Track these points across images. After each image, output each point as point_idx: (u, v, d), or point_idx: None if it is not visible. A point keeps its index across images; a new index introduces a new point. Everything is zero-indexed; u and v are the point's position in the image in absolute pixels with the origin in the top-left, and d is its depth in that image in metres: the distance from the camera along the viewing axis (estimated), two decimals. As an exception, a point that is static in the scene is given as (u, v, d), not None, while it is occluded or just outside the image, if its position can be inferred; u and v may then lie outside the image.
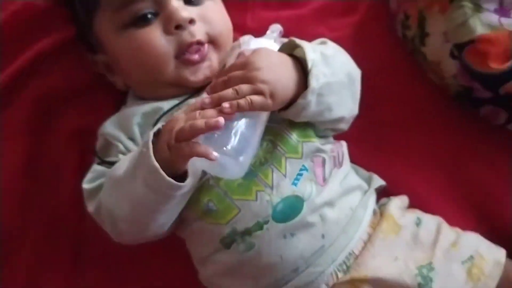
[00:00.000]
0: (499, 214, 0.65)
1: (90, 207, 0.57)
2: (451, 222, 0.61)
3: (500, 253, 0.58)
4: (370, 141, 0.69)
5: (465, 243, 0.57)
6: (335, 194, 0.55)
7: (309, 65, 0.51)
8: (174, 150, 0.46)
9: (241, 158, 0.46)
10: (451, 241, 0.57)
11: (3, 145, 0.68)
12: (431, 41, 0.65)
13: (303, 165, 0.55)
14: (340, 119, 0.59)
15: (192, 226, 0.56)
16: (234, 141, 0.46)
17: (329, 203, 0.54)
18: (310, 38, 0.59)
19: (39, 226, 0.68)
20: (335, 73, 0.54)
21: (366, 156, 0.67)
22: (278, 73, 0.50)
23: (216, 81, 0.50)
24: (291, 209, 0.52)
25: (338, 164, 0.58)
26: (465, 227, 0.62)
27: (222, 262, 0.55)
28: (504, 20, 0.61)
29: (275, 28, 0.59)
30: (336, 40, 0.61)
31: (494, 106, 0.64)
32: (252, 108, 0.46)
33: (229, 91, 0.47)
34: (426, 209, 0.62)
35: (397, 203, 0.61)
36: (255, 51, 0.52)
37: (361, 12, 0.75)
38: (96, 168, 0.59)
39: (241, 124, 0.47)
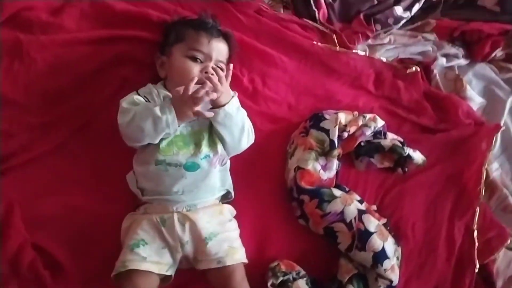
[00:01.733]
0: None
1: (120, 119, 1.05)
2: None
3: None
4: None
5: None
6: (213, 176, 1.10)
7: (228, 104, 1.08)
8: (189, 99, 1.00)
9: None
10: None
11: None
12: (293, 159, 1.28)
13: (210, 154, 1.10)
14: (223, 141, 1.11)
15: (147, 148, 1.08)
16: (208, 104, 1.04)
17: (208, 178, 1.08)
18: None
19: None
20: (237, 116, 1.10)
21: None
22: (227, 92, 1.08)
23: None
24: (194, 167, 1.07)
25: (221, 163, 1.13)
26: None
27: (148, 168, 1.07)
28: (321, 171, 1.26)
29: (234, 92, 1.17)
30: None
31: (296, 205, 1.24)
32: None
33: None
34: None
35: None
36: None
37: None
38: (137, 96, 1.10)
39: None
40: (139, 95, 1.12)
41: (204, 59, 1.14)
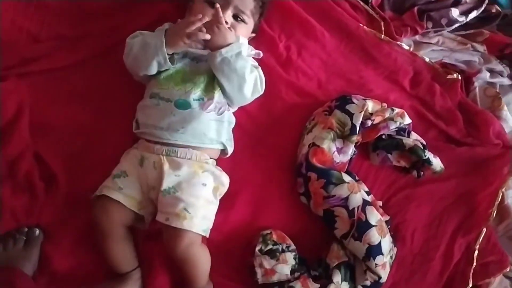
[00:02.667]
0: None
1: (124, 54, 1.07)
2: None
3: None
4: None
5: None
6: (204, 120, 1.06)
7: (226, 48, 1.02)
8: (183, 32, 0.99)
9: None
10: None
11: None
12: (309, 135, 1.25)
13: (204, 97, 1.06)
14: (223, 88, 1.07)
15: (150, 81, 1.09)
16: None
17: (198, 120, 1.04)
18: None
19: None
20: (236, 63, 1.03)
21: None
22: (223, 35, 1.02)
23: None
24: (185, 105, 1.04)
25: (217, 111, 1.08)
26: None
27: (144, 101, 1.08)
28: (335, 154, 1.22)
29: (256, 52, 1.17)
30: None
31: (302, 181, 1.21)
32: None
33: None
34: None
35: None
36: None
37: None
38: (138, 31, 1.09)
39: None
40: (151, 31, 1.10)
41: (222, 4, 1.08)
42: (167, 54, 1.02)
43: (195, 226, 1.00)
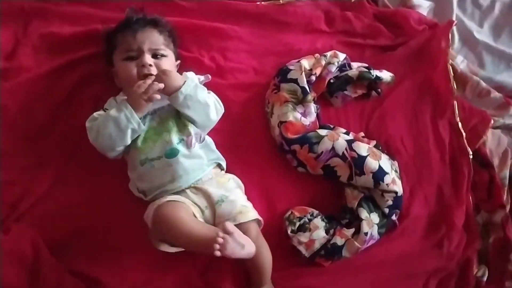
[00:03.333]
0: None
1: (90, 138, 1.11)
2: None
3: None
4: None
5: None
6: (194, 153, 1.15)
7: (184, 86, 1.12)
8: (140, 94, 1.07)
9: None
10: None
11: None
12: (273, 116, 1.35)
13: (183, 137, 1.14)
14: (193, 121, 1.15)
15: (130, 153, 1.16)
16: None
17: (190, 156, 1.13)
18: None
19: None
20: (197, 95, 1.13)
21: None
22: (174, 78, 1.12)
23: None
24: (174, 153, 1.12)
25: (198, 140, 1.17)
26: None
27: (138, 172, 1.14)
28: (303, 118, 1.32)
29: (205, 77, 1.25)
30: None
31: (291, 156, 1.33)
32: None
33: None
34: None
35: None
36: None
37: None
38: (99, 111, 1.15)
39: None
40: (102, 110, 1.18)
41: (138, 54, 1.18)
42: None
43: (256, 214, 1.15)
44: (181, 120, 1.18)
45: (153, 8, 1.35)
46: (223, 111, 1.25)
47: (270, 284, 1.18)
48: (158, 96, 1.10)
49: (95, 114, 1.16)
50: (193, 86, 1.15)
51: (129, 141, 1.12)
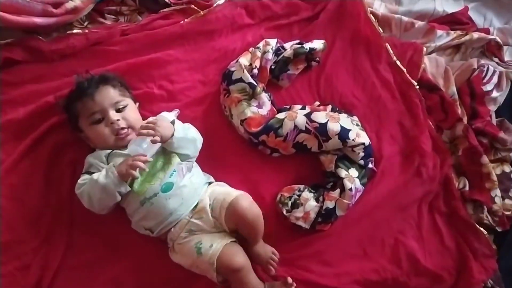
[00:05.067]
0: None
1: (85, 204, 1.18)
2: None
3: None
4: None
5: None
6: (187, 182, 1.23)
7: (175, 132, 1.20)
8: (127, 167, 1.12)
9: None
10: None
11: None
12: (234, 118, 1.44)
13: (174, 169, 1.24)
14: (187, 156, 1.26)
15: (127, 199, 1.22)
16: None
17: (184, 185, 1.24)
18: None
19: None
20: (187, 135, 1.24)
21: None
22: (166, 127, 1.20)
23: (141, 127, 1.19)
24: (169, 186, 1.20)
25: (188, 169, 1.27)
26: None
27: (140, 212, 1.22)
28: (260, 110, 1.42)
29: (176, 112, 1.32)
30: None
31: (263, 147, 1.43)
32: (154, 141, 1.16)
33: (145, 132, 1.17)
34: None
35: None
36: (159, 117, 1.25)
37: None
38: (83, 176, 1.21)
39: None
40: (85, 173, 1.23)
41: (102, 115, 1.24)
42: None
43: (239, 191, 1.25)
44: (164, 153, 1.25)
45: (89, 62, 1.43)
46: (202, 138, 1.32)
47: (262, 242, 1.27)
48: (148, 158, 1.17)
49: (80, 181, 1.21)
50: (181, 128, 1.24)
51: (119, 198, 1.19)
